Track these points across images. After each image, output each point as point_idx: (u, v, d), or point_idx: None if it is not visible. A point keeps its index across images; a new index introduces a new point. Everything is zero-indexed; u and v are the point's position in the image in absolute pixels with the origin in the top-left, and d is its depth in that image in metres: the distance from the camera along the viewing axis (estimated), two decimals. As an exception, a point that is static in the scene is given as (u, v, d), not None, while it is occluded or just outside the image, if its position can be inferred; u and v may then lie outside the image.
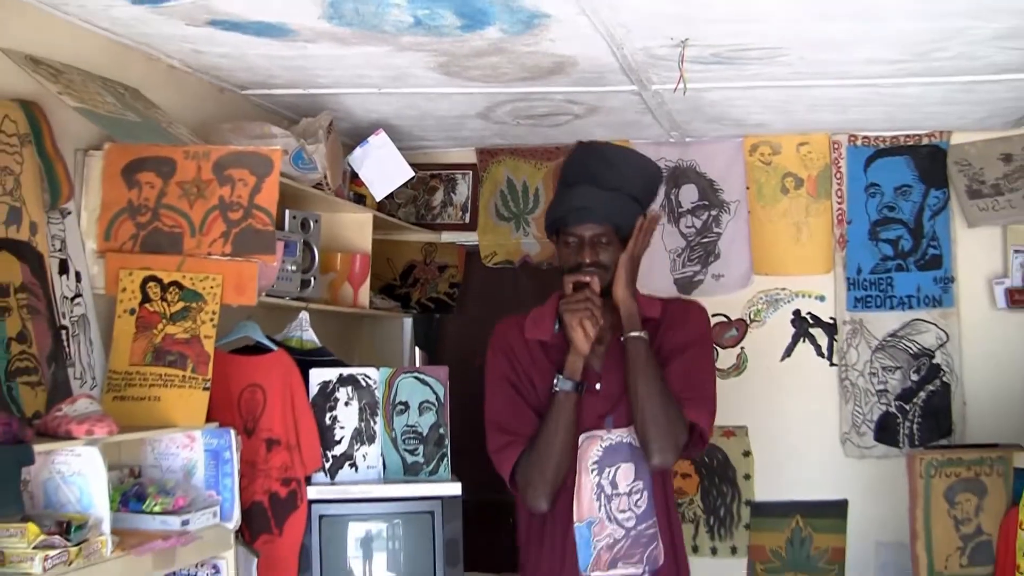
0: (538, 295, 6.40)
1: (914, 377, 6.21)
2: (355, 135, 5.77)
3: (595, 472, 3.90)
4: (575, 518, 3.91)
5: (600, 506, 3.91)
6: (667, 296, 4.22)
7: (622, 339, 3.90)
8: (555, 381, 3.87)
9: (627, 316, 3.90)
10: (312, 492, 4.56)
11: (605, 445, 3.94)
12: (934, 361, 6.19)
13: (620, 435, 3.95)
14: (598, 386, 3.97)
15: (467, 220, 6.72)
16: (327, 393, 4.66)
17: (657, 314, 4.03)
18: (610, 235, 3.89)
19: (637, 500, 3.94)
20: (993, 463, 5.39)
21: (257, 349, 4.64)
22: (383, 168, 5.65)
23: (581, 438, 3.92)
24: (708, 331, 4.18)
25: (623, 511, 3.92)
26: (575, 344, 3.85)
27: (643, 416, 3.81)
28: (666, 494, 4.00)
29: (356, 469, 4.68)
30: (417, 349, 6.80)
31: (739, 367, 6.42)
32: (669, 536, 3.97)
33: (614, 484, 3.92)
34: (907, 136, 6.23)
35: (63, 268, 3.93)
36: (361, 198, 5.76)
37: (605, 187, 3.90)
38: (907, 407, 6.21)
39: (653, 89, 5.05)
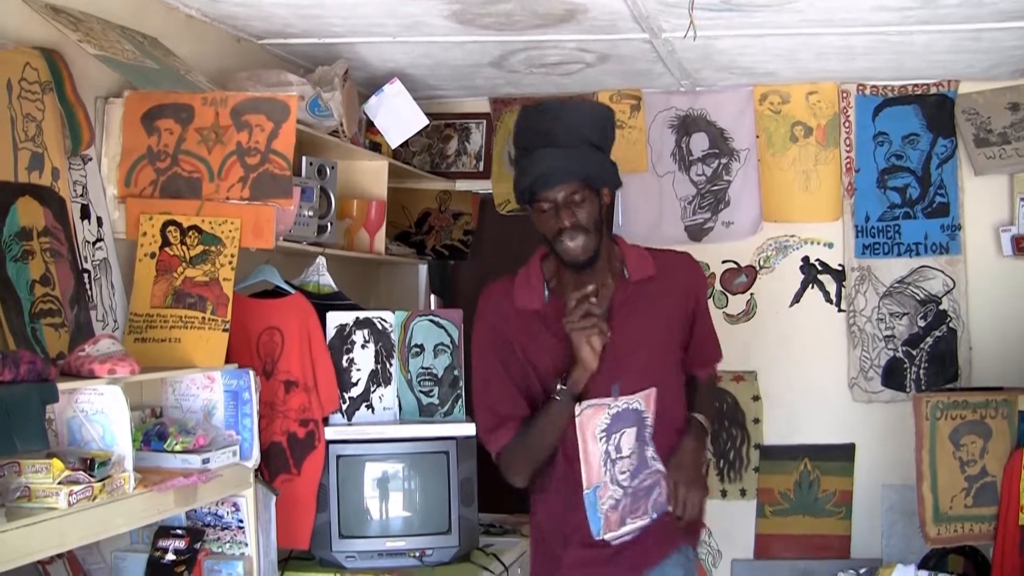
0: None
1: (921, 323, 6.27)
2: (370, 84, 5.81)
3: (603, 440, 3.84)
4: (584, 484, 3.85)
5: (606, 471, 3.91)
6: (651, 247, 4.08)
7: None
8: (558, 388, 3.78)
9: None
10: (329, 433, 4.63)
11: (612, 413, 3.87)
12: (941, 307, 6.25)
13: (626, 402, 3.87)
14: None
15: (481, 168, 6.77)
16: (344, 336, 4.73)
17: (652, 271, 3.93)
18: (582, 191, 3.72)
19: (633, 459, 3.91)
20: (998, 406, 5.45)
21: (275, 293, 4.71)
22: (398, 116, 5.69)
23: (582, 406, 3.83)
24: (705, 282, 4.26)
25: (623, 472, 3.91)
26: (583, 361, 3.71)
27: None
28: (670, 442, 3.97)
29: (372, 410, 4.75)
30: (432, 295, 6.88)
31: (748, 313, 6.48)
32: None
33: (619, 449, 3.87)
34: (915, 85, 6.27)
35: (85, 213, 4.00)
36: (376, 146, 5.81)
37: (564, 145, 3.72)
38: (914, 352, 6.28)
39: (664, 37, 5.09)
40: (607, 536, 3.86)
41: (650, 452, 3.90)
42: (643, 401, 3.88)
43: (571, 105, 4.09)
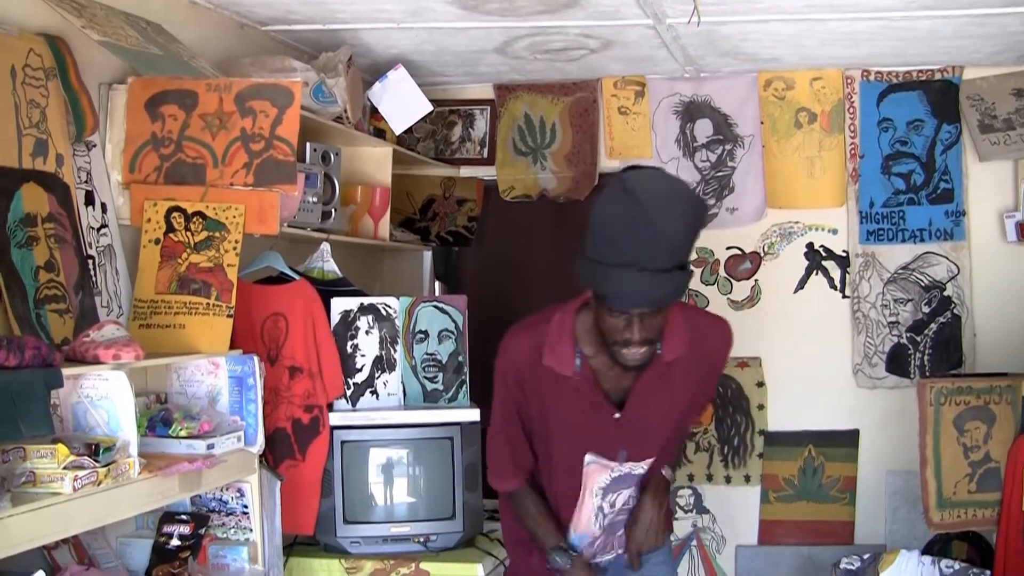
0: (554, 229, 6.51)
1: (925, 309, 6.27)
2: (374, 71, 5.81)
3: (599, 496, 3.93)
4: (572, 527, 4.00)
5: (597, 523, 3.98)
6: (690, 314, 4.01)
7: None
8: (554, 555, 3.96)
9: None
10: (334, 419, 4.65)
11: (614, 476, 3.92)
12: (945, 293, 6.25)
13: (631, 468, 3.93)
14: (617, 416, 3.83)
15: (485, 155, 6.76)
16: (348, 322, 4.74)
17: (684, 350, 3.79)
18: (660, 312, 3.54)
19: (620, 511, 4.03)
20: (1002, 391, 5.46)
21: (280, 279, 4.72)
22: (402, 102, 5.69)
23: (589, 459, 3.88)
24: (729, 352, 4.07)
25: (612, 523, 4.02)
26: None
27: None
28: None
29: (377, 396, 4.77)
30: (436, 281, 6.88)
31: (753, 299, 6.48)
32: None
33: (612, 505, 3.95)
34: (920, 71, 6.27)
35: (89, 199, 4.01)
36: (381, 132, 5.82)
37: (654, 269, 3.37)
38: (918, 339, 6.28)
39: (668, 23, 5.09)
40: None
41: (633, 502, 4.05)
42: (645, 466, 3.96)
43: (672, 213, 3.40)
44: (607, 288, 3.46)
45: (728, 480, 6.49)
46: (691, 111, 6.49)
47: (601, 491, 3.93)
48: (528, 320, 3.88)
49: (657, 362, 3.75)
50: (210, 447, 3.88)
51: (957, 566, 5.19)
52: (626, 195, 3.41)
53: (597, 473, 3.90)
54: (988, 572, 5.18)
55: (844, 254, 6.41)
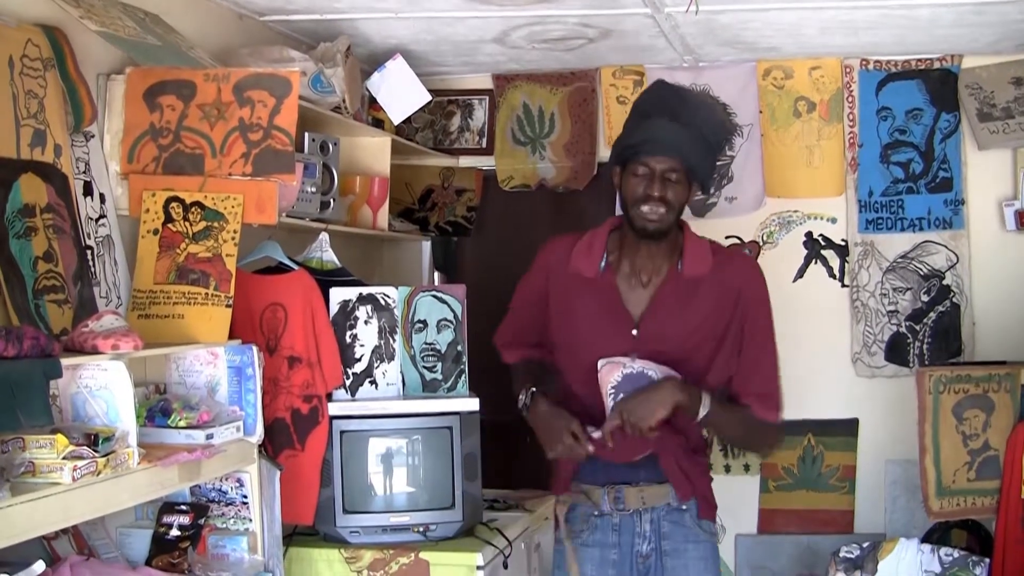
0: (554, 219, 6.51)
1: (924, 298, 6.28)
2: (373, 61, 5.82)
3: (611, 397, 3.91)
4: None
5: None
6: (717, 244, 4.11)
7: (698, 422, 3.91)
8: (523, 396, 4.06)
9: (684, 406, 3.84)
10: (333, 408, 4.63)
11: (625, 372, 3.93)
12: (944, 282, 6.27)
13: (642, 366, 3.92)
14: (635, 332, 3.93)
15: (484, 145, 6.77)
16: (347, 312, 4.73)
17: (707, 269, 3.92)
18: (680, 173, 3.77)
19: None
20: (1001, 380, 5.46)
21: (278, 269, 4.72)
22: (400, 92, 5.70)
23: (602, 362, 3.94)
24: (768, 295, 4.03)
25: None
26: (543, 445, 3.97)
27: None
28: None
29: (376, 386, 4.76)
30: (436, 271, 6.89)
31: (752, 288, 6.49)
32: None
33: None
34: (919, 60, 6.27)
35: (87, 190, 4.01)
36: (379, 122, 5.82)
37: (681, 122, 3.75)
38: (917, 327, 6.29)
39: (666, 12, 5.09)
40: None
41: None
42: (658, 372, 3.91)
43: (700, 93, 4.16)
44: (638, 136, 3.79)
45: (728, 469, 6.49)
46: (690, 100, 6.48)
47: (613, 391, 3.91)
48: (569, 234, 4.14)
49: (677, 277, 3.93)
50: (209, 437, 3.87)
51: (956, 554, 5.20)
52: (662, 80, 4.03)
53: (609, 373, 3.93)
54: (987, 560, 5.19)
55: (843, 243, 6.42)
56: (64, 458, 3.20)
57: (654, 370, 3.90)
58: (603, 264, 3.97)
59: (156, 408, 3.94)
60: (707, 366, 3.97)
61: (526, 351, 4.22)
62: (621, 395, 3.88)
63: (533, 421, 4.02)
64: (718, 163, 6.26)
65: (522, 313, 4.22)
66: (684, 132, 3.74)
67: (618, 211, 4.42)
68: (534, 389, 4.03)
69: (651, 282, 3.94)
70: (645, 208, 3.77)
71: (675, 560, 4.06)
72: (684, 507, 4.10)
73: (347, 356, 4.71)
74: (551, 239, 4.15)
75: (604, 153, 6.50)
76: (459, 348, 4.82)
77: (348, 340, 4.73)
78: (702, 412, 3.84)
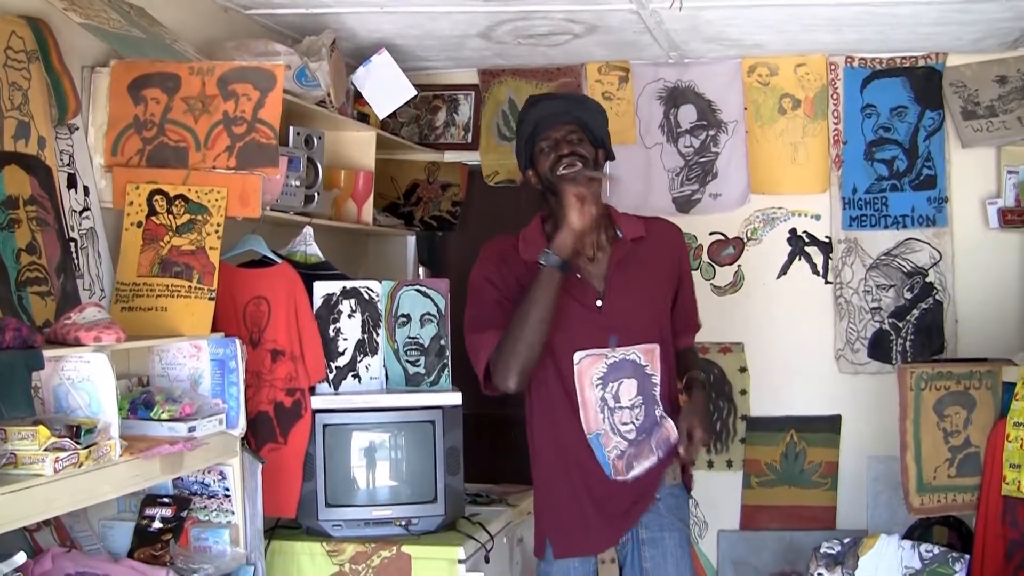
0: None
1: (907, 295, 6.30)
2: (358, 55, 5.81)
3: (599, 387, 4.01)
4: (585, 430, 4.06)
5: (604, 419, 4.03)
6: (638, 215, 4.29)
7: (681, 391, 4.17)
8: (540, 255, 3.91)
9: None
10: (316, 402, 4.64)
11: (609, 363, 4.05)
12: (927, 279, 6.28)
13: (624, 352, 4.07)
14: (599, 303, 4.05)
15: (469, 140, 6.76)
16: (331, 305, 4.73)
17: (643, 232, 4.15)
18: (579, 132, 4.00)
19: (638, 414, 4.06)
20: (982, 377, 5.47)
21: (262, 263, 4.72)
22: (386, 87, 5.70)
23: (581, 355, 4.01)
24: (687, 248, 4.46)
25: (625, 423, 4.04)
26: (569, 220, 3.83)
27: None
28: (671, 388, 4.21)
29: (359, 380, 4.77)
30: (420, 266, 6.90)
31: (736, 285, 6.50)
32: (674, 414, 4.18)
33: (617, 398, 4.04)
34: (903, 58, 6.29)
35: (71, 182, 4.01)
36: (364, 117, 5.82)
37: (562, 98, 4.17)
38: (900, 325, 6.31)
39: (651, 8, 5.10)
40: (619, 479, 4.08)
41: (659, 411, 4.11)
42: (642, 355, 4.08)
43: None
44: (531, 123, 4.04)
45: (710, 465, 6.51)
46: (675, 97, 6.50)
47: (600, 381, 4.04)
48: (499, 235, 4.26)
49: (621, 243, 4.12)
50: (192, 430, 3.88)
51: (937, 550, 5.21)
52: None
53: (591, 365, 4.04)
54: (967, 556, 5.20)
55: (827, 240, 6.43)
56: (46, 450, 3.21)
57: (636, 354, 4.06)
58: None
59: (139, 400, 3.94)
60: (667, 315, 4.21)
61: (499, 333, 4.05)
62: (611, 384, 4.02)
63: (560, 236, 3.91)
64: (702, 160, 6.35)
65: (488, 303, 4.13)
66: (567, 102, 4.08)
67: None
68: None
69: (598, 256, 4.08)
70: (563, 170, 3.95)
71: (653, 549, 4.11)
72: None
73: (330, 350, 4.71)
74: (488, 243, 4.29)
75: (589, 149, 6.51)
76: (442, 342, 4.83)
77: (331, 334, 4.73)
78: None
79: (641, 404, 4.06)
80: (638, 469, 4.10)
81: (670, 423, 4.11)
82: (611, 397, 4.03)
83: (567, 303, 3.99)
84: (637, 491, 4.12)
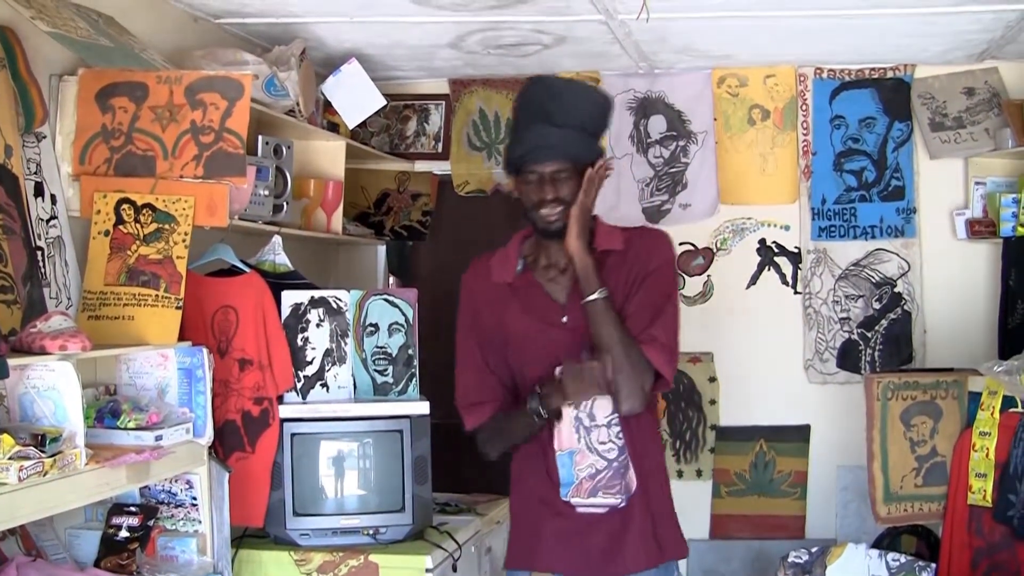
0: (509, 223, 6.52)
1: (876, 305, 6.33)
2: (328, 65, 5.82)
3: (572, 405, 3.93)
4: (556, 447, 3.94)
5: (580, 438, 3.94)
6: (630, 225, 4.17)
7: (581, 303, 3.88)
8: (530, 402, 3.87)
9: (583, 273, 3.88)
10: (284, 411, 4.63)
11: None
12: (896, 290, 6.32)
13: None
14: (564, 319, 3.96)
15: (440, 150, 6.77)
16: (299, 315, 4.73)
17: (619, 245, 4.02)
18: (569, 170, 3.89)
19: (617, 432, 3.98)
20: (948, 387, 5.49)
21: (231, 272, 4.72)
22: (356, 96, 5.71)
23: (557, 371, 3.89)
24: (672, 259, 4.15)
25: (603, 442, 3.95)
26: (568, 393, 3.82)
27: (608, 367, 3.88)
28: (642, 423, 4.00)
29: (327, 389, 4.77)
30: (391, 276, 6.91)
31: (705, 295, 6.53)
32: (642, 463, 3.99)
33: (592, 416, 3.94)
34: (872, 69, 6.33)
35: (38, 191, 4.00)
36: (335, 126, 5.83)
37: (559, 124, 3.90)
38: (869, 335, 6.34)
39: (619, 19, 5.11)
40: (573, 500, 3.93)
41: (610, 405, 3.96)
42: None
43: (574, 85, 4.21)
44: (523, 147, 3.91)
45: (680, 475, 6.51)
46: (645, 107, 6.52)
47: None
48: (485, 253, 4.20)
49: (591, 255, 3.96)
50: (158, 438, 3.87)
51: (903, 559, 5.24)
52: (537, 78, 4.12)
53: None
54: (934, 565, 5.23)
55: (796, 250, 6.46)
56: (10, 458, 3.19)
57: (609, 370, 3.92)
58: (520, 267, 4.05)
59: (105, 409, 3.93)
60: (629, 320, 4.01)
61: (493, 405, 4.03)
62: (585, 403, 3.91)
63: (560, 395, 3.85)
64: (672, 170, 6.37)
65: (475, 362, 4.07)
66: (563, 134, 3.89)
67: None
68: (536, 390, 3.91)
69: (568, 269, 3.98)
70: (544, 211, 3.90)
71: None
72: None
73: (298, 359, 4.72)
74: (471, 263, 4.22)
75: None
76: (410, 352, 4.84)
77: (300, 343, 4.73)
78: (597, 295, 3.85)
79: (618, 423, 3.99)
80: (601, 499, 3.94)
81: (632, 473, 3.98)
82: (585, 416, 3.94)
83: (535, 318, 3.97)
84: (604, 535, 3.99)
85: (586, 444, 3.91)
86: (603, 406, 3.91)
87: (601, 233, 4.03)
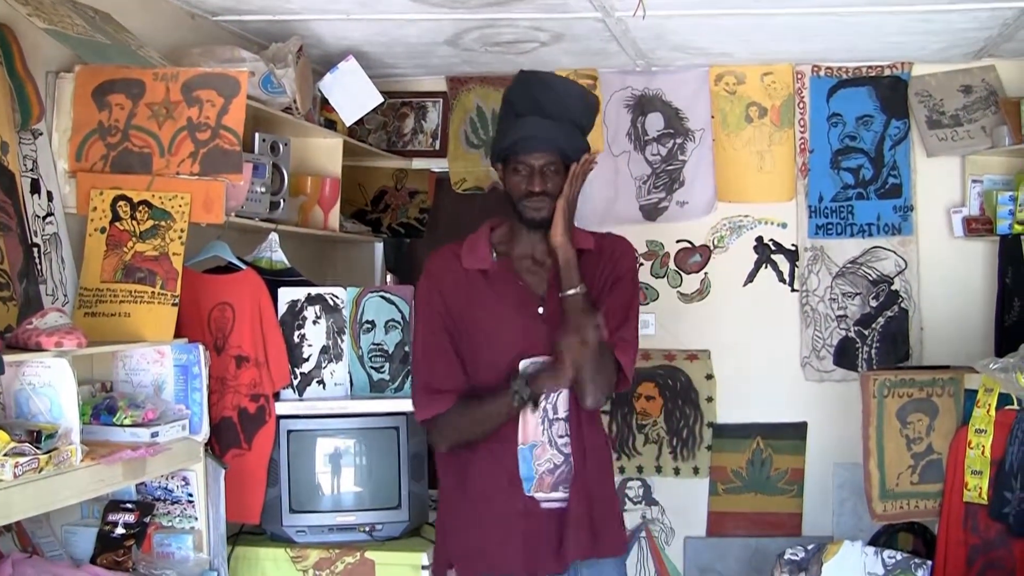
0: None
1: (873, 303, 6.33)
2: (326, 62, 5.81)
3: (542, 397, 3.93)
4: (520, 440, 3.95)
5: (543, 430, 3.98)
6: (596, 231, 4.24)
7: (560, 296, 3.92)
8: (514, 385, 3.84)
9: (566, 267, 3.92)
10: (280, 408, 4.66)
11: None
12: (893, 288, 6.32)
13: None
14: (541, 310, 3.98)
15: (437, 147, 6.77)
16: (295, 312, 4.75)
17: (591, 246, 4.10)
18: (557, 163, 3.95)
19: (570, 428, 4.00)
20: (944, 384, 5.50)
21: (228, 269, 4.72)
22: (353, 94, 5.70)
23: (527, 363, 3.94)
24: (636, 268, 4.31)
25: (561, 436, 3.98)
26: (558, 377, 3.82)
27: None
28: (592, 419, 4.08)
29: (324, 386, 4.78)
30: (388, 273, 6.91)
31: (702, 292, 6.53)
32: (590, 458, 4.03)
33: (555, 409, 3.97)
34: (869, 67, 6.32)
35: (35, 187, 4.00)
36: (332, 123, 5.82)
37: (550, 116, 3.96)
38: (866, 332, 6.34)
39: (616, 16, 5.11)
40: (537, 495, 3.96)
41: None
42: None
43: (565, 81, 4.24)
44: (514, 136, 3.97)
45: (677, 472, 6.52)
46: (642, 105, 6.52)
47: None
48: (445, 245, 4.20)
49: None
50: (154, 435, 3.89)
51: (899, 556, 5.25)
52: (526, 72, 4.13)
53: None
54: (930, 563, 5.23)
55: (793, 248, 6.46)
56: (6, 455, 3.21)
57: None
58: (495, 255, 4.08)
59: (102, 406, 3.95)
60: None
61: (452, 395, 3.97)
62: (551, 395, 3.95)
63: (554, 373, 3.85)
64: (669, 168, 6.37)
65: (436, 347, 4.03)
66: (554, 126, 3.95)
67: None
68: (521, 373, 3.92)
69: (546, 263, 4.03)
70: (530, 203, 3.96)
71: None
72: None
73: (295, 356, 4.73)
74: (432, 253, 4.20)
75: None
76: (406, 349, 4.84)
77: (296, 340, 4.74)
78: (578, 289, 3.91)
79: (573, 419, 3.98)
80: (562, 494, 3.97)
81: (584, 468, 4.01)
82: (550, 407, 3.96)
83: (509, 306, 3.99)
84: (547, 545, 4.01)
85: (548, 437, 3.94)
86: (564, 400, 3.95)
87: (575, 232, 4.07)
